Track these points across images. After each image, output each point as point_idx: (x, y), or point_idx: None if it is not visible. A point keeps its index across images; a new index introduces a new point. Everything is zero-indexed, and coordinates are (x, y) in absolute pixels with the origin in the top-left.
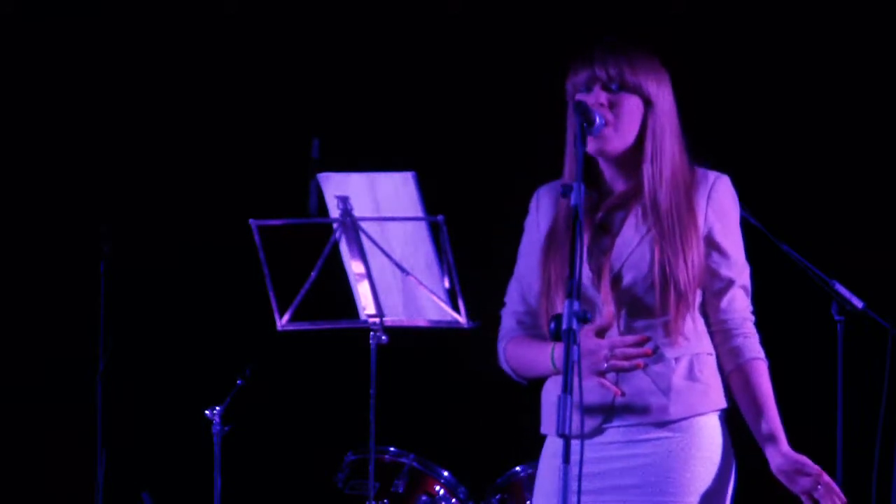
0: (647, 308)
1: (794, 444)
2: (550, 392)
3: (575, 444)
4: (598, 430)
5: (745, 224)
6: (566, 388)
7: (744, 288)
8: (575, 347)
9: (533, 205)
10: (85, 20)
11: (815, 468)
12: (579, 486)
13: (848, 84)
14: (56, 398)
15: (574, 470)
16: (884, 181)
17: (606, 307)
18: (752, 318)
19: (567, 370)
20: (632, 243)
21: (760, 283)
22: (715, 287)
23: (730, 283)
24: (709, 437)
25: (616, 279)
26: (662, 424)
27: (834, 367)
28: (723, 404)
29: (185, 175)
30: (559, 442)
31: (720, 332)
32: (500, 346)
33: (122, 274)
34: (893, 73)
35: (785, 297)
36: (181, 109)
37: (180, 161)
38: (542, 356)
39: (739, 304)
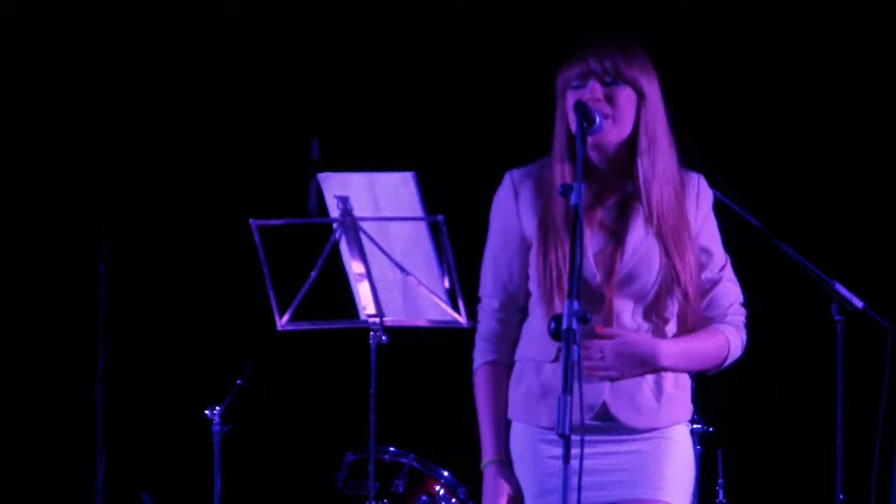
0: (654, 309)
1: (795, 443)
2: (521, 378)
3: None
4: (581, 429)
5: (745, 224)
6: (566, 388)
7: (730, 281)
8: (575, 347)
9: (507, 190)
10: (85, 20)
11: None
12: (580, 483)
13: (848, 84)
14: (56, 398)
15: (573, 471)
16: (884, 181)
17: (611, 305)
18: (739, 307)
19: (567, 370)
20: (642, 244)
21: (761, 283)
22: (701, 288)
23: (713, 283)
24: (682, 443)
25: (625, 278)
26: (648, 430)
27: (834, 367)
28: (691, 414)
29: (185, 175)
30: (527, 430)
31: (703, 325)
32: (479, 354)
33: (122, 274)
34: (893, 73)
35: (785, 297)
36: (181, 109)
37: (180, 161)
38: (484, 424)
39: (722, 301)
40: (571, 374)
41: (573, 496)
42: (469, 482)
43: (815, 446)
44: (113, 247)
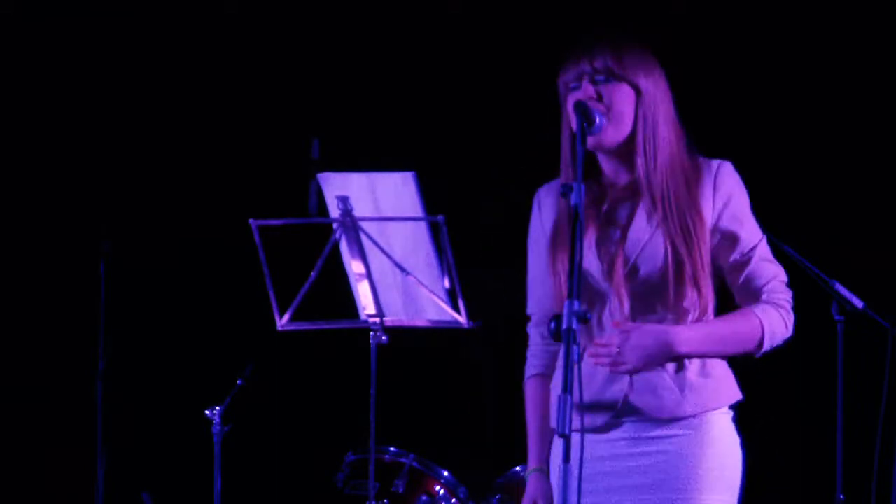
0: (661, 301)
1: (795, 443)
2: (556, 382)
3: (576, 443)
4: (608, 427)
5: None
6: (566, 387)
7: (764, 260)
8: (575, 347)
9: (535, 207)
10: (85, 20)
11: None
12: (579, 485)
13: (848, 83)
14: (56, 398)
15: (574, 471)
16: (884, 181)
17: (618, 300)
18: (778, 286)
19: (567, 370)
20: (645, 236)
21: None
22: (728, 270)
23: (743, 265)
24: (719, 433)
25: (631, 272)
26: (674, 421)
27: (834, 367)
28: (735, 398)
29: (185, 175)
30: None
31: (745, 304)
32: (528, 368)
33: (122, 274)
34: (893, 73)
35: None
36: (181, 109)
37: (180, 161)
38: (530, 434)
39: (756, 281)
40: (571, 373)
41: (573, 497)
42: (469, 482)
43: (815, 446)
44: (113, 247)
